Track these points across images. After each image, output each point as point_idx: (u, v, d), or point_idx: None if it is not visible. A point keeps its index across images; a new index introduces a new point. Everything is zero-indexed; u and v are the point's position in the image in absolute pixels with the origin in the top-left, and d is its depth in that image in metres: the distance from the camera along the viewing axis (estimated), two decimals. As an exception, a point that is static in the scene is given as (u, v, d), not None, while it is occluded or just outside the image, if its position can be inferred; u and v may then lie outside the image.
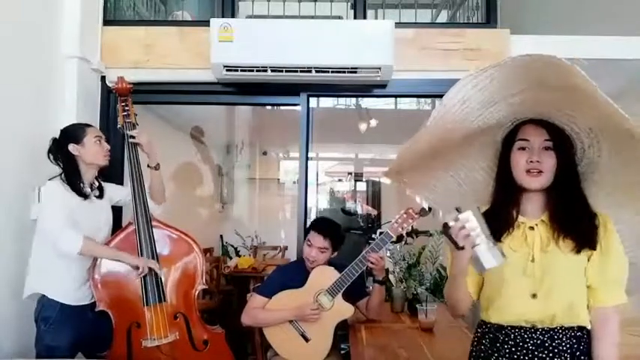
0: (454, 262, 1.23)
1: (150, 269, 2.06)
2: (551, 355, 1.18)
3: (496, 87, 1.13)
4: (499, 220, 1.26)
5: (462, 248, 1.14)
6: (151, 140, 2.29)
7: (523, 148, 1.24)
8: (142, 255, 2.09)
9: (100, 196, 2.16)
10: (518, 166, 1.24)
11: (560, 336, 1.18)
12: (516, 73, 1.08)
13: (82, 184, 2.06)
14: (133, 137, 2.23)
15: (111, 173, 2.46)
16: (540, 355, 1.18)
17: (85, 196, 2.04)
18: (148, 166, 2.29)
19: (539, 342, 1.19)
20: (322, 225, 2.38)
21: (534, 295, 1.19)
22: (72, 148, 2.05)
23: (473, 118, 1.22)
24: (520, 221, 1.26)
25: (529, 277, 1.20)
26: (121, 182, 2.67)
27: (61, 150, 2.06)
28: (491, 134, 1.32)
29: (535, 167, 1.21)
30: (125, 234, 2.15)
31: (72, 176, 2.04)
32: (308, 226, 2.43)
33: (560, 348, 1.18)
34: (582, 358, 1.18)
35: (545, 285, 1.19)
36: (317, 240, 2.30)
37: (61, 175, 2.04)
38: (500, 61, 1.06)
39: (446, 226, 1.16)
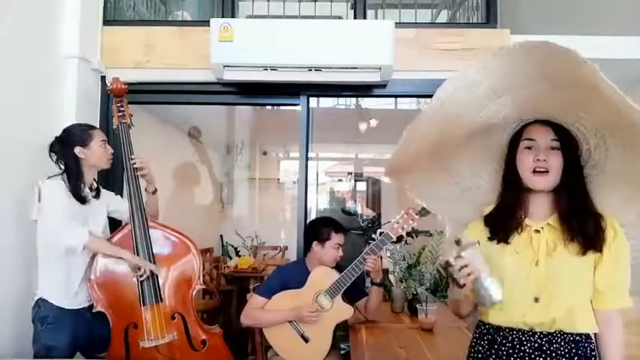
0: (454, 293, 1.23)
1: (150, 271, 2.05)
2: (548, 359, 1.16)
3: (501, 73, 1.10)
4: (505, 223, 1.25)
5: (463, 286, 1.15)
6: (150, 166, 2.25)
7: (529, 148, 1.22)
8: (137, 256, 2.07)
9: (97, 197, 2.14)
10: (524, 166, 1.22)
11: (559, 340, 1.17)
12: (517, 61, 1.06)
13: (82, 186, 2.04)
14: (137, 168, 2.18)
15: (108, 173, 2.45)
16: (537, 358, 1.17)
17: (83, 200, 2.02)
18: (146, 190, 2.26)
19: (536, 345, 1.17)
20: (338, 224, 2.40)
21: (537, 299, 1.18)
22: (78, 150, 2.05)
23: (477, 108, 1.20)
24: (526, 223, 1.24)
25: (532, 281, 1.19)
26: (120, 182, 2.66)
27: (67, 151, 2.05)
28: (495, 136, 1.31)
29: (541, 166, 1.19)
30: (122, 234, 2.14)
31: (74, 178, 2.02)
32: (319, 232, 2.35)
33: (559, 352, 1.16)
34: None
35: (549, 289, 1.17)
36: (341, 238, 2.36)
37: (62, 174, 2.03)
38: (510, 45, 1.04)
39: (447, 263, 1.16)
